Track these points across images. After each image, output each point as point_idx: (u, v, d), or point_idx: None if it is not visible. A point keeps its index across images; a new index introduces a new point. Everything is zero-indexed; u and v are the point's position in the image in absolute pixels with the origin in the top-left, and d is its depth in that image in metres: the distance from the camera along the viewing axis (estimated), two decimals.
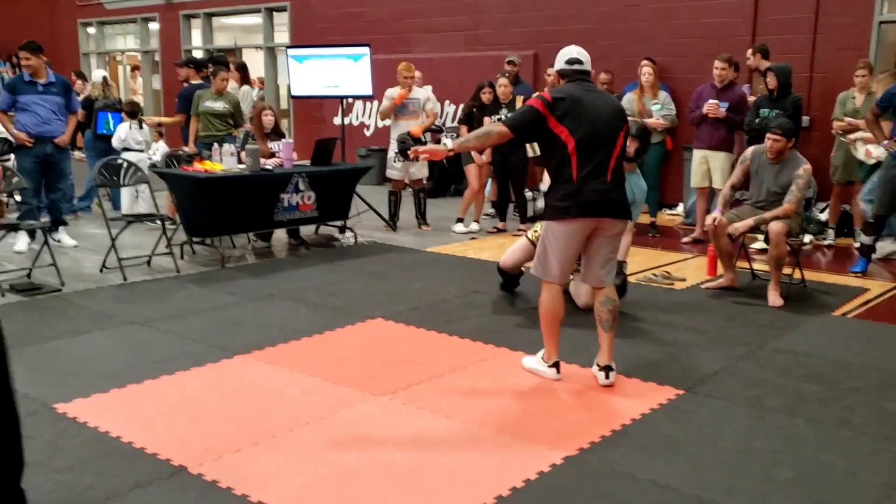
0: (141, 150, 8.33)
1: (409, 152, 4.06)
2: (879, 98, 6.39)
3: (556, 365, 4.00)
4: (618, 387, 3.94)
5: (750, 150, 5.77)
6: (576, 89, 3.81)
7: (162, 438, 3.29)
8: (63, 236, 7.18)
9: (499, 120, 3.89)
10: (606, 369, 3.94)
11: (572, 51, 3.94)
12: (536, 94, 3.90)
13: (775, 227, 5.35)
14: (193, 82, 8.10)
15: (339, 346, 4.57)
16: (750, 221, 5.44)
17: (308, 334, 4.73)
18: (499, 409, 3.67)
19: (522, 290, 5.71)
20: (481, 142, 3.99)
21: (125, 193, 7.94)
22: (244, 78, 8.68)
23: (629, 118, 7.76)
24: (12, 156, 8.58)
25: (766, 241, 5.61)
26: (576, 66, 3.89)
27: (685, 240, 7.73)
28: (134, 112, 8.55)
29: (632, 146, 5.17)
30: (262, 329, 4.82)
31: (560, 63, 3.93)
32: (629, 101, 7.77)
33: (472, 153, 8.03)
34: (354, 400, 3.75)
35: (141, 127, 8.48)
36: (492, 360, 4.32)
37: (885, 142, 6.21)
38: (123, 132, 8.29)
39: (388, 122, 8.32)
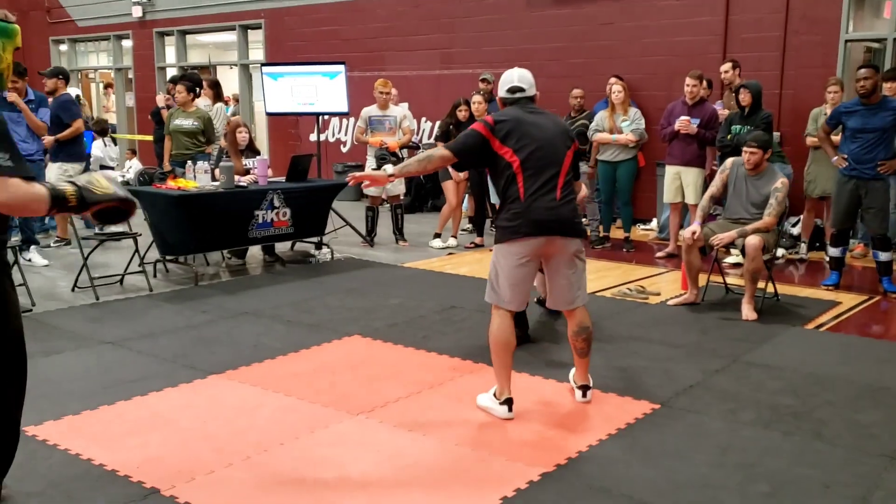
0: (113, 168, 8.30)
1: (347, 178, 3.95)
2: (829, 115, 6.53)
3: (508, 402, 3.70)
4: (594, 402, 3.94)
5: (729, 160, 5.85)
6: (518, 111, 3.72)
7: (134, 460, 3.24)
8: (34, 255, 7.08)
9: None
10: (583, 388, 3.92)
11: (513, 77, 3.81)
12: (480, 119, 3.81)
13: (752, 241, 5.41)
14: (63, 93, 7.95)
15: (314, 363, 4.54)
16: (733, 234, 5.50)
17: (283, 352, 4.69)
18: (476, 425, 3.66)
19: None
20: (423, 166, 3.77)
21: None
22: (217, 95, 8.65)
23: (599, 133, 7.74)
24: None
25: (743, 254, 5.67)
26: (517, 95, 3.79)
27: (659, 254, 7.79)
28: (104, 130, 8.51)
29: None
30: (236, 348, 4.77)
31: (502, 91, 3.83)
32: (601, 118, 7.85)
33: (450, 170, 8.04)
34: (330, 419, 3.71)
35: (115, 144, 8.43)
36: (469, 376, 4.31)
37: (835, 157, 6.33)
38: (99, 150, 8.24)
39: (367, 136, 8.32)
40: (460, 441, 3.47)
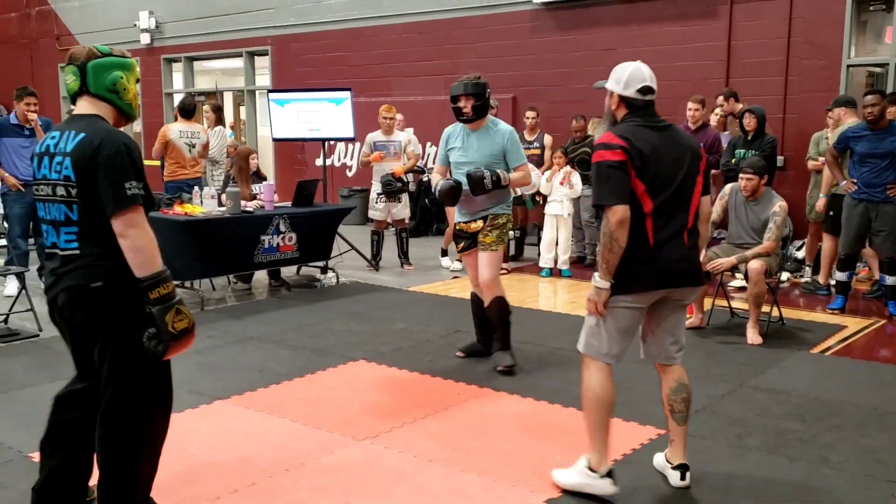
0: None
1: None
2: (836, 140, 6.55)
3: (610, 474, 3.12)
4: None
5: (728, 186, 5.88)
6: (648, 130, 3.04)
7: None
8: None
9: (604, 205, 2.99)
10: (682, 469, 3.24)
11: (644, 74, 3.10)
12: (600, 141, 3.02)
13: (754, 265, 5.42)
14: None
15: (320, 389, 4.54)
16: (732, 259, 5.51)
17: (289, 377, 4.70)
18: (481, 451, 3.65)
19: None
20: (614, 247, 2.94)
21: None
22: (219, 119, 8.76)
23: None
24: None
25: (746, 279, 5.68)
26: (648, 98, 3.10)
27: None
28: None
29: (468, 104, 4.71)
30: (241, 373, 4.78)
31: (629, 88, 3.08)
32: None
33: None
34: (336, 445, 3.72)
35: None
36: (474, 401, 4.31)
37: (843, 182, 6.34)
38: None
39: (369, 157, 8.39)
40: (466, 467, 3.46)
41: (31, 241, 7.12)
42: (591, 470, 3.13)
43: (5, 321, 5.80)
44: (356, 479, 3.35)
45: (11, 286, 6.68)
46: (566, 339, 5.51)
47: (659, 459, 3.40)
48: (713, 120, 7.99)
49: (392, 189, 8.06)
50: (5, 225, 6.60)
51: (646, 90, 3.09)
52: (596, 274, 3.03)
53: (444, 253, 8.44)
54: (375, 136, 8.28)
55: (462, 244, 4.95)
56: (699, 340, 5.57)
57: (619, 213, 2.91)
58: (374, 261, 8.32)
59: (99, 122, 2.71)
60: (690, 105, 7.48)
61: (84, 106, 2.78)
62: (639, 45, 9.58)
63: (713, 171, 7.60)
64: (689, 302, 3.29)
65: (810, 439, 3.79)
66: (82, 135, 2.65)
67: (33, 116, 6.80)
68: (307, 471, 3.43)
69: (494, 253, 4.79)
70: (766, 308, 5.63)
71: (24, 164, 6.78)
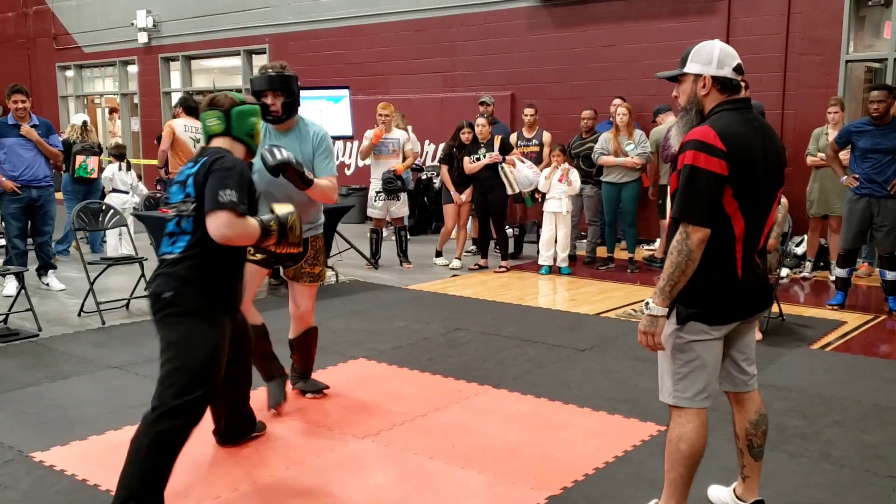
0: (126, 192, 8.38)
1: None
2: (837, 134, 6.54)
3: None
4: (601, 424, 3.94)
5: None
6: (745, 129, 2.57)
7: None
8: (52, 280, 7.12)
9: (673, 216, 2.55)
10: None
11: (735, 52, 2.65)
12: (695, 138, 2.51)
13: None
14: None
15: None
16: None
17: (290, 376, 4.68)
18: (482, 448, 3.65)
19: (505, 328, 5.72)
20: (688, 267, 2.50)
21: (110, 236, 7.94)
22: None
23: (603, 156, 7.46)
24: None
25: None
26: (740, 79, 2.65)
27: None
28: (122, 154, 8.61)
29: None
30: None
31: (724, 67, 2.62)
32: (605, 140, 7.89)
33: (452, 193, 8.11)
34: (336, 442, 3.71)
35: (129, 169, 8.52)
36: (475, 399, 4.31)
37: (844, 177, 6.34)
38: (111, 173, 8.34)
39: (368, 161, 8.39)
40: (466, 464, 3.46)
41: (30, 241, 7.10)
42: None
43: (5, 321, 5.79)
44: (357, 476, 3.35)
45: (10, 286, 6.66)
46: (566, 336, 5.53)
47: (721, 494, 3.03)
48: None
49: (394, 186, 8.06)
50: (2, 225, 6.59)
51: (740, 69, 2.64)
52: (650, 299, 2.58)
53: (439, 254, 8.43)
54: (373, 131, 8.26)
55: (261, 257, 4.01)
56: None
57: (702, 233, 2.48)
58: (374, 259, 8.32)
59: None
60: None
61: (221, 142, 3.18)
62: (636, 41, 9.58)
63: None
64: (757, 322, 2.93)
65: (811, 435, 3.79)
66: (204, 158, 3.06)
67: (23, 114, 6.76)
68: (308, 469, 3.43)
69: (317, 284, 4.32)
70: None
71: (21, 163, 6.76)
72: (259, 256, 3.94)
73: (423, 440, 3.73)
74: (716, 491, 3.08)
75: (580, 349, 5.22)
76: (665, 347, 2.64)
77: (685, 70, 2.68)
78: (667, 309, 2.57)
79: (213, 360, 3.02)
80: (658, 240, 9.27)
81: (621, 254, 8.53)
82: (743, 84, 2.61)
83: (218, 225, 2.86)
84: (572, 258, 8.29)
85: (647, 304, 2.59)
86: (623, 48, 9.70)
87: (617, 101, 8.38)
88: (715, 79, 2.62)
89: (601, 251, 8.35)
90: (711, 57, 2.62)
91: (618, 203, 7.96)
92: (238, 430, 3.65)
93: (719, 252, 2.56)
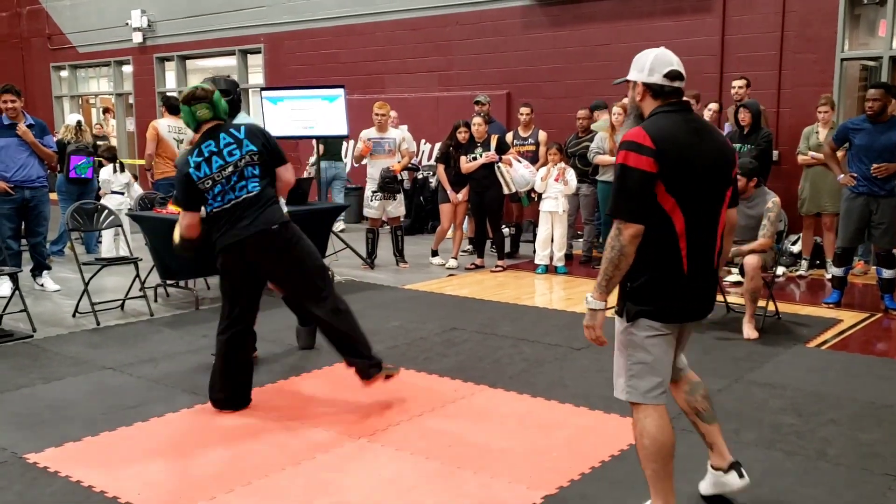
0: (122, 193, 8.34)
1: None
2: (835, 132, 6.54)
3: None
4: (596, 423, 3.93)
5: None
6: (681, 128, 2.64)
7: (135, 486, 3.23)
8: (46, 280, 7.09)
9: (607, 213, 2.67)
10: (736, 467, 2.98)
11: (671, 58, 2.71)
12: (627, 139, 2.61)
13: (751, 260, 5.42)
14: None
15: (315, 387, 4.53)
16: (727, 255, 5.51)
17: (284, 376, 4.68)
18: (478, 448, 3.64)
19: (501, 327, 5.71)
20: (621, 262, 2.58)
21: (106, 236, 7.92)
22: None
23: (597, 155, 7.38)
24: None
25: (742, 273, 5.68)
26: (677, 85, 2.69)
27: None
28: (113, 156, 8.57)
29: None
30: None
31: (654, 74, 2.69)
32: (601, 139, 7.88)
33: (448, 192, 8.10)
34: (331, 443, 3.70)
35: (122, 170, 8.49)
36: (471, 398, 4.30)
37: (841, 175, 6.34)
38: (107, 175, 8.30)
39: (365, 160, 8.37)
40: (462, 464, 3.46)
41: (24, 241, 7.07)
42: None
43: None
44: (352, 477, 3.34)
45: (5, 287, 6.62)
46: (562, 335, 5.52)
47: (706, 483, 3.06)
48: (707, 116, 8.00)
49: (392, 186, 8.05)
50: None
51: (674, 75, 2.68)
52: (589, 294, 2.66)
53: (435, 253, 8.43)
54: (369, 132, 8.26)
55: None
56: (695, 336, 5.52)
57: (633, 229, 2.56)
58: (370, 259, 8.30)
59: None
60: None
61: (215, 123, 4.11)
62: (631, 40, 9.57)
63: None
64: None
65: (807, 433, 3.79)
66: (243, 127, 4.10)
67: (14, 114, 6.73)
68: (303, 469, 3.42)
69: None
70: (761, 303, 5.63)
71: (14, 164, 6.72)
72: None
73: (418, 440, 3.73)
74: (703, 485, 3.11)
75: (576, 348, 5.21)
76: (606, 342, 2.70)
77: (627, 77, 2.78)
78: (603, 303, 2.64)
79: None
80: None
81: None
82: (680, 87, 2.71)
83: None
84: (569, 257, 8.29)
85: (587, 298, 2.67)
86: (618, 47, 9.68)
87: (617, 103, 8.39)
88: (646, 85, 2.71)
89: (598, 251, 8.35)
90: (644, 65, 2.72)
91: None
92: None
93: (664, 249, 2.62)
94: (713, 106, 8.26)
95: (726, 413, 4.05)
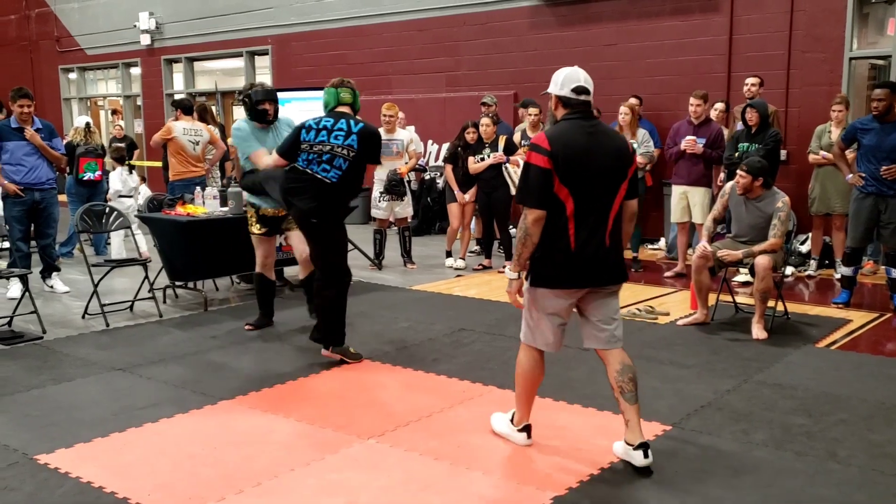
0: (130, 196, 8.36)
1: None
2: (843, 132, 6.51)
3: (526, 429, 3.62)
4: (604, 424, 3.92)
5: (729, 185, 5.86)
6: (576, 133, 3.25)
7: (145, 488, 3.24)
8: (56, 282, 7.13)
9: (517, 201, 3.40)
10: (643, 448, 3.34)
11: (579, 75, 3.32)
12: (532, 142, 3.28)
13: (762, 261, 5.40)
14: None
15: (324, 388, 4.54)
16: (739, 254, 5.50)
17: (293, 377, 4.69)
18: (487, 449, 3.64)
19: (509, 328, 5.70)
20: (528, 242, 3.26)
21: (115, 238, 7.95)
22: (203, 119, 8.73)
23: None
24: None
25: (752, 274, 5.66)
26: (583, 98, 3.31)
27: (667, 274, 7.78)
28: (122, 158, 8.59)
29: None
30: (245, 373, 4.78)
31: (564, 88, 3.31)
32: None
33: (456, 192, 8.10)
34: (340, 443, 3.71)
35: (131, 172, 8.52)
36: (479, 399, 4.30)
37: (850, 175, 6.32)
38: (118, 179, 8.33)
39: None
40: (472, 465, 3.46)
41: (33, 243, 7.10)
42: (513, 424, 3.66)
43: (9, 324, 5.80)
44: (361, 478, 3.35)
45: (15, 288, 6.66)
46: (570, 336, 5.49)
47: (619, 446, 3.47)
48: (712, 115, 7.97)
49: (398, 189, 8.05)
50: (6, 228, 6.58)
51: (580, 90, 3.30)
52: (507, 266, 3.50)
53: (449, 254, 8.43)
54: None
55: (266, 229, 5.65)
56: (704, 336, 5.55)
57: (535, 213, 3.23)
58: (377, 260, 8.31)
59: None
60: (692, 101, 7.45)
61: (346, 109, 4.87)
62: (639, 40, 9.57)
63: (716, 167, 7.61)
64: (617, 291, 3.48)
65: (817, 434, 3.77)
66: (362, 124, 4.76)
67: (26, 118, 6.76)
68: (312, 471, 3.43)
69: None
70: (771, 303, 5.62)
71: (24, 166, 6.75)
72: (265, 229, 5.64)
73: (427, 441, 3.73)
74: (616, 446, 3.51)
75: (584, 349, 5.18)
76: (522, 305, 3.48)
77: (548, 90, 3.41)
78: (516, 273, 3.40)
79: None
80: (662, 238, 9.26)
81: (625, 253, 8.49)
82: (586, 100, 3.32)
83: None
84: None
85: (506, 270, 3.49)
86: (626, 47, 9.68)
87: (633, 99, 8.39)
88: (558, 97, 3.35)
89: None
90: (558, 81, 3.35)
91: None
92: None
93: (556, 229, 3.25)
94: (719, 105, 8.24)
95: (736, 413, 4.04)
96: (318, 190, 4.69)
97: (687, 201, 7.52)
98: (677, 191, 7.60)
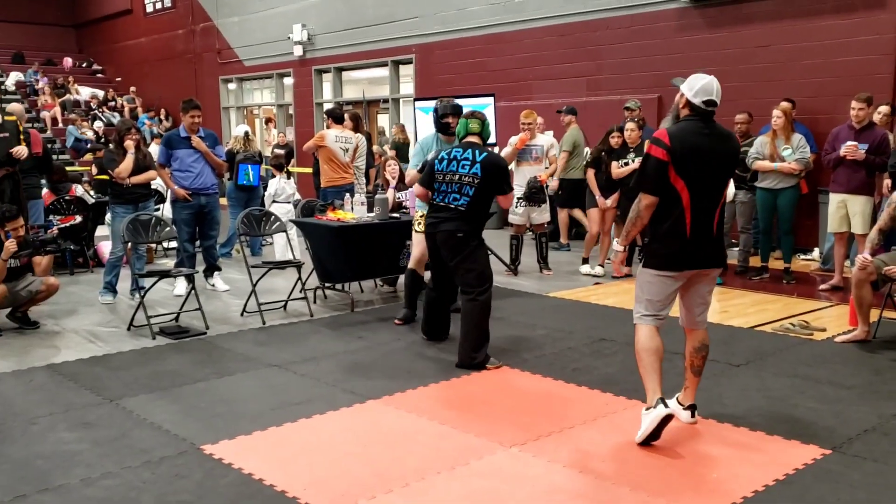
0: (287, 202, 8.84)
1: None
2: None
3: (661, 401, 3.71)
4: (759, 444, 3.77)
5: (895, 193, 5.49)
6: (695, 134, 3.67)
7: (301, 482, 3.41)
8: (217, 281, 7.63)
9: (631, 186, 4.00)
10: (692, 409, 3.94)
11: (712, 88, 3.70)
12: (655, 136, 3.71)
13: None
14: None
15: (465, 392, 4.61)
16: None
17: (435, 380, 4.79)
18: (633, 464, 3.59)
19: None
20: (638, 223, 3.78)
21: (278, 240, 8.42)
22: (356, 127, 9.03)
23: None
24: (161, 206, 9.27)
25: None
26: (710, 109, 3.71)
27: (823, 287, 7.35)
28: (280, 165, 9.11)
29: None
30: (390, 373, 4.93)
31: (697, 97, 3.69)
32: (762, 143, 7.53)
33: (597, 198, 8.01)
34: (484, 449, 3.76)
35: (289, 178, 9.00)
36: (623, 413, 4.24)
37: None
38: (273, 187, 8.84)
39: (511, 167, 8.41)
40: (618, 480, 3.42)
41: (197, 244, 7.63)
42: (645, 410, 3.78)
43: (176, 319, 6.26)
44: (506, 486, 3.38)
45: (181, 286, 7.19)
46: (718, 350, 5.32)
47: (672, 403, 3.88)
48: (875, 119, 7.45)
49: (538, 196, 8.06)
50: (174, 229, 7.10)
51: (709, 103, 3.68)
52: (616, 239, 4.10)
53: (585, 261, 8.34)
54: (516, 137, 8.27)
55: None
56: (865, 355, 5.22)
57: (649, 199, 3.69)
58: (513, 265, 8.34)
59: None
60: (854, 104, 7.01)
61: (475, 139, 5.22)
62: (795, 40, 9.11)
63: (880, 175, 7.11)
64: (716, 276, 3.89)
65: None
66: (485, 154, 5.09)
67: (195, 127, 7.26)
68: (457, 475, 3.49)
69: None
70: None
71: (192, 173, 7.25)
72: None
73: (571, 453, 3.71)
74: (670, 403, 3.84)
75: (735, 364, 5.02)
76: (622, 273, 4.26)
77: (679, 85, 3.78)
78: (623, 247, 4.01)
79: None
80: (816, 249, 8.76)
81: (775, 263, 8.11)
82: (712, 111, 3.70)
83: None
84: (764, 269, 7.95)
85: (614, 242, 4.10)
86: (781, 48, 9.24)
87: (784, 103, 8.00)
88: (688, 100, 3.72)
89: (754, 260, 7.99)
90: (694, 86, 3.70)
91: (773, 210, 7.58)
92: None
93: (673, 217, 3.66)
94: (883, 109, 7.69)
95: (746, 412, 3.77)
96: (446, 214, 5.11)
97: (846, 210, 7.08)
98: (835, 199, 7.17)
